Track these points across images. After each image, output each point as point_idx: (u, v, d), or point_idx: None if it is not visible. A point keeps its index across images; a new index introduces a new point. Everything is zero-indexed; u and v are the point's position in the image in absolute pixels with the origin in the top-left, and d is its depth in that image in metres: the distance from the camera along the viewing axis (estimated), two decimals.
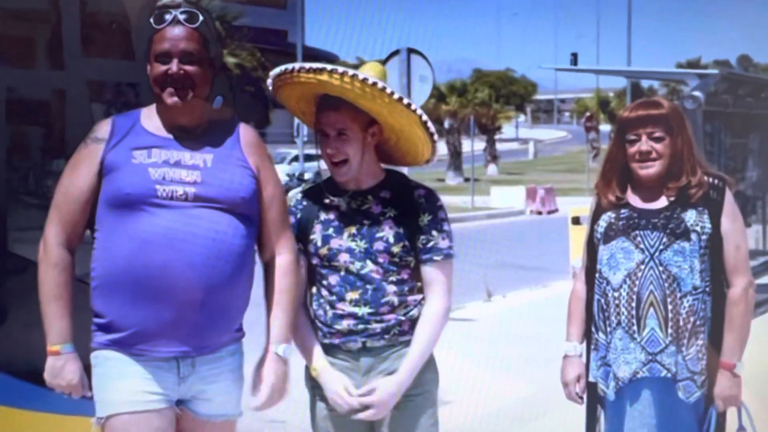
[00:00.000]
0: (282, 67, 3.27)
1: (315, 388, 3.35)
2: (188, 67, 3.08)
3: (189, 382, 3.11)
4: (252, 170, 3.17)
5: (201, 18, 3.11)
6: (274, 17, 52.50)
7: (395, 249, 3.26)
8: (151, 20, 3.11)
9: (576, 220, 14.38)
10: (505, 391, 7.20)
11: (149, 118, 3.17)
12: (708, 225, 3.50)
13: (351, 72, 3.16)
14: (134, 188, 3.03)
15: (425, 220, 3.29)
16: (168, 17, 3.09)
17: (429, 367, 3.34)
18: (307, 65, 3.21)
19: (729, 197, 3.55)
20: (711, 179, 3.56)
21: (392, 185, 3.35)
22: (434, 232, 3.30)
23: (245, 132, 3.24)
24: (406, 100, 3.23)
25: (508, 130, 62.88)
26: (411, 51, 11.24)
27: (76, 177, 3.10)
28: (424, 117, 3.26)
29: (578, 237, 14.01)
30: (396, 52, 11.23)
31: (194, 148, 3.13)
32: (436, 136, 3.33)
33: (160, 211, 3.02)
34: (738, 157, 11.61)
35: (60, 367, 3.07)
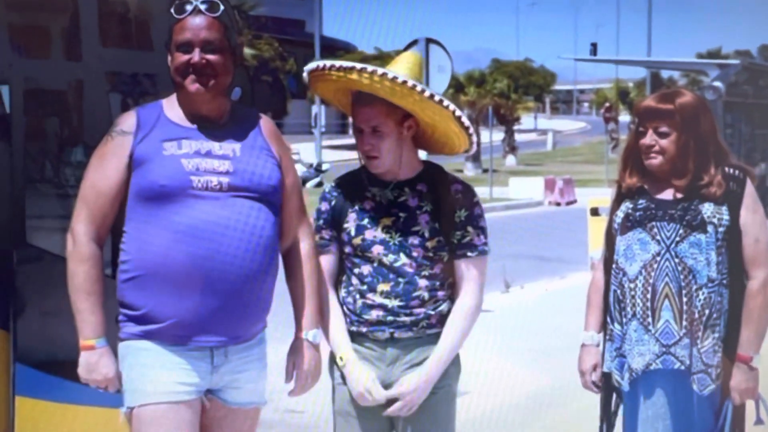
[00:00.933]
0: (314, 64, 3.29)
1: (337, 372, 3.35)
2: (210, 56, 3.08)
3: (221, 371, 3.13)
4: (276, 159, 3.20)
5: (222, 7, 3.11)
6: (291, 7, 52.58)
7: (430, 244, 3.26)
8: (172, 10, 3.11)
9: (595, 212, 14.35)
10: (522, 382, 7.23)
11: (172, 109, 3.17)
12: (726, 217, 3.48)
13: (380, 71, 3.16)
14: (170, 180, 3.04)
15: (462, 216, 3.29)
16: (188, 7, 3.09)
17: (453, 360, 3.35)
18: (338, 63, 3.22)
19: (750, 189, 3.53)
20: (731, 170, 3.53)
21: (429, 178, 3.34)
22: (470, 228, 3.30)
23: (265, 122, 3.27)
24: (437, 97, 3.21)
25: (526, 120, 62.75)
26: (429, 41, 11.21)
27: (105, 171, 3.10)
28: (458, 112, 3.26)
29: (597, 228, 14.08)
30: (414, 42, 11.19)
31: (220, 138, 3.14)
32: (471, 129, 3.31)
33: (197, 202, 3.04)
34: (758, 148, 11.59)
35: (95, 362, 3.06)
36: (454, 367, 3.35)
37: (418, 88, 3.17)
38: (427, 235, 3.25)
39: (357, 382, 3.26)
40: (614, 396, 3.68)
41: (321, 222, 3.32)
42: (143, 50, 4.34)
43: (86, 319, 3.05)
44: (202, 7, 3.09)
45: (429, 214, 3.27)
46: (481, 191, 29.32)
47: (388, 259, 3.25)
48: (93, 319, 3.05)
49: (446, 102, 3.23)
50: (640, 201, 3.57)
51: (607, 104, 55.67)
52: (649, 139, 3.51)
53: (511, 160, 47.52)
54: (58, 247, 4.15)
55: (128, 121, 3.14)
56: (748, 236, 3.49)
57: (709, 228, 3.46)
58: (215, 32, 3.09)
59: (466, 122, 3.28)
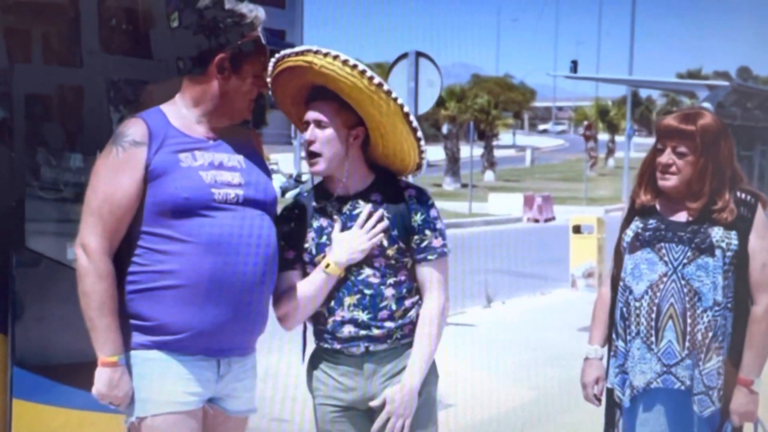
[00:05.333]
0: (274, 58, 3.27)
1: (317, 390, 3.36)
2: None
3: (225, 380, 3.14)
4: (269, 171, 3.23)
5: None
6: (272, 16, 52.36)
7: (390, 252, 3.25)
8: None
9: (577, 229, 14.45)
10: (503, 396, 7.25)
11: (175, 118, 3.13)
12: (735, 242, 3.47)
13: (334, 52, 3.15)
14: (192, 193, 3.00)
15: (418, 220, 3.28)
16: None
17: (430, 368, 3.33)
18: (295, 49, 3.21)
19: (760, 214, 3.51)
20: (743, 195, 3.52)
21: (382, 187, 3.32)
22: (427, 232, 3.28)
23: (255, 134, 3.29)
24: (386, 87, 3.18)
25: (505, 136, 62.94)
26: (420, 54, 11.02)
27: (120, 183, 2.99)
28: (406, 108, 3.23)
29: (578, 246, 14.24)
30: (404, 56, 11.05)
31: (225, 149, 3.14)
32: (420, 134, 3.28)
33: (219, 215, 3.03)
34: (744, 170, 11.72)
35: (118, 379, 3.00)
36: (431, 374, 3.34)
37: (368, 74, 3.14)
38: (386, 243, 3.24)
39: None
40: (617, 411, 3.68)
41: (282, 243, 3.25)
42: (145, 57, 4.34)
43: (107, 336, 2.97)
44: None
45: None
46: (460, 206, 29.24)
47: (352, 272, 3.24)
48: (114, 336, 2.98)
49: (395, 94, 3.20)
50: (651, 221, 3.57)
51: (587, 122, 56.03)
52: (667, 157, 3.50)
53: (489, 176, 47.66)
54: (56, 251, 4.18)
55: (138, 130, 3.05)
56: (755, 261, 3.48)
57: (717, 252, 3.46)
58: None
59: (414, 122, 3.25)
